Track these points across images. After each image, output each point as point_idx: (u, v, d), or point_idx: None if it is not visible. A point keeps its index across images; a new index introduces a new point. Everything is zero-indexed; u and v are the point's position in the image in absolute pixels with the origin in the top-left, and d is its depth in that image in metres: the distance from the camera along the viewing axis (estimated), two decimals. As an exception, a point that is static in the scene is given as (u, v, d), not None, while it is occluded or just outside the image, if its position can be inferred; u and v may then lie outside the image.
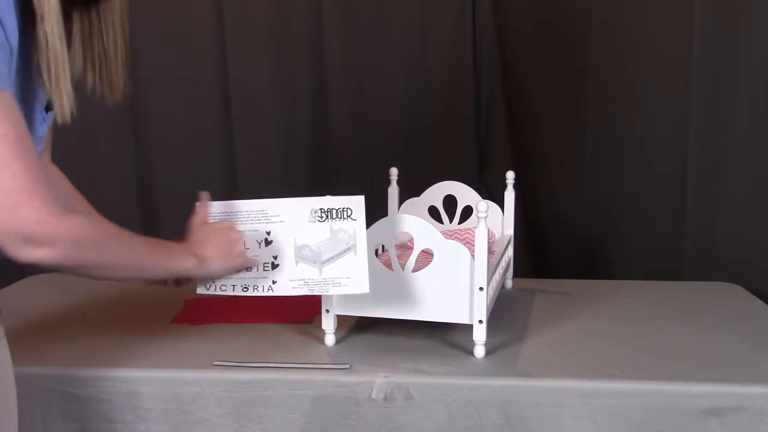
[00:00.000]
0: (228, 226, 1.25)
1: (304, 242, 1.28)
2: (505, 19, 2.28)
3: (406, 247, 1.56)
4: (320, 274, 1.27)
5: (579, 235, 2.30)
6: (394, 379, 1.24)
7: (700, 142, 2.12)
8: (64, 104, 0.98)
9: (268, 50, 2.34)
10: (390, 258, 1.33)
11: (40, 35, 0.95)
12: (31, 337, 1.46)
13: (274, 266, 1.29)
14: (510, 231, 1.74)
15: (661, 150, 2.19)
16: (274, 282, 1.29)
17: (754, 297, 1.71)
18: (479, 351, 1.33)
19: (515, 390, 1.23)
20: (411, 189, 1.76)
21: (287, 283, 1.28)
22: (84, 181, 2.36)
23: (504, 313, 1.53)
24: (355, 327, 1.47)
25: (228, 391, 1.25)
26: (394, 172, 1.75)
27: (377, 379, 1.24)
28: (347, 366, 1.28)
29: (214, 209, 1.33)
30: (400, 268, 1.32)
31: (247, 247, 1.29)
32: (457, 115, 2.34)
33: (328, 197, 1.29)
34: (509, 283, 1.77)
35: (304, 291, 1.27)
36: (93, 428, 1.26)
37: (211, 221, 1.26)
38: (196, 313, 1.59)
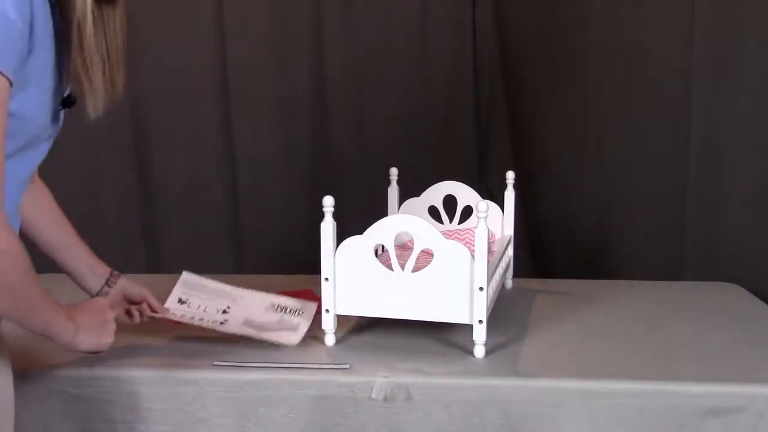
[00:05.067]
0: (105, 304, 1.26)
1: (254, 319, 1.41)
2: (505, 19, 2.28)
3: (406, 247, 1.56)
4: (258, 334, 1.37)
5: (579, 235, 2.30)
6: (394, 379, 1.24)
7: (700, 142, 2.12)
8: (98, 99, 1.06)
9: (268, 51, 2.34)
10: (390, 258, 1.33)
11: (80, 38, 1.01)
12: (31, 338, 1.45)
13: (223, 323, 1.40)
14: (510, 231, 1.74)
15: (662, 150, 2.19)
16: (222, 323, 1.40)
17: (754, 297, 1.71)
18: (479, 351, 1.33)
19: (515, 390, 1.23)
20: (411, 189, 1.76)
21: (234, 329, 1.38)
22: (83, 181, 2.38)
23: (504, 313, 1.53)
24: (355, 327, 1.47)
25: (228, 391, 1.25)
26: (394, 172, 1.75)
27: (377, 379, 1.24)
28: (347, 366, 1.28)
29: (186, 280, 1.47)
30: (400, 268, 1.32)
31: (206, 311, 1.42)
32: (457, 115, 2.34)
33: (290, 299, 1.46)
34: (509, 283, 1.77)
35: (250, 333, 1.37)
36: (93, 428, 1.26)
37: (97, 299, 1.30)
38: (195, 313, 1.59)
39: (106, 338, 1.22)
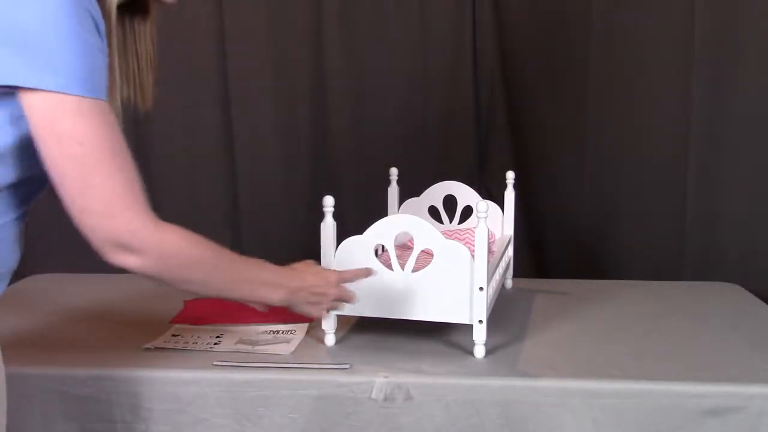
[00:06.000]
0: (332, 280, 1.26)
1: (248, 338, 1.43)
2: (505, 19, 2.28)
3: (406, 247, 1.55)
4: (253, 349, 1.38)
5: (579, 235, 2.29)
6: (394, 379, 1.24)
7: (700, 142, 2.13)
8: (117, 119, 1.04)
9: (269, 51, 2.34)
10: (390, 258, 1.33)
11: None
12: (31, 337, 1.46)
13: (217, 343, 1.41)
14: (510, 231, 1.74)
15: (661, 150, 2.19)
16: (216, 344, 1.41)
17: (754, 297, 1.71)
18: (479, 351, 1.33)
19: (515, 390, 1.23)
20: (411, 189, 1.76)
21: (228, 347, 1.39)
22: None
23: (504, 313, 1.53)
24: (355, 327, 1.47)
25: (228, 391, 1.25)
26: (394, 172, 1.74)
27: (377, 379, 1.24)
28: (347, 366, 1.28)
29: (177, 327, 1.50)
30: (400, 268, 1.32)
31: (199, 337, 1.44)
32: (457, 115, 2.33)
33: (282, 325, 1.47)
34: (509, 283, 1.77)
35: (245, 349, 1.38)
36: (93, 428, 1.26)
37: (329, 273, 1.29)
38: (196, 313, 1.59)
39: (314, 312, 1.24)
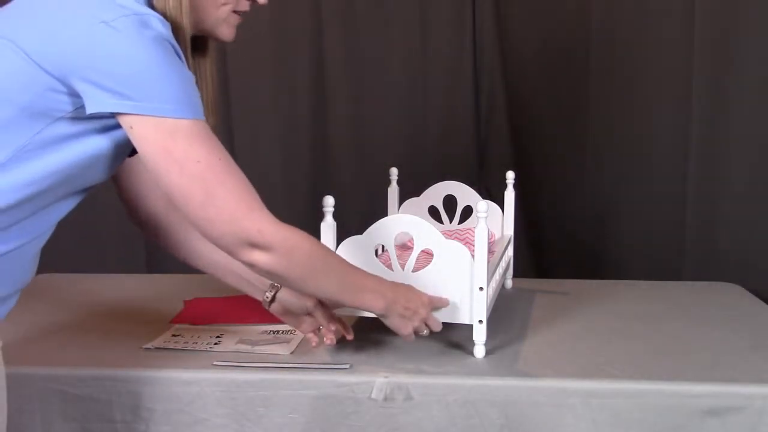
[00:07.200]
0: (424, 301, 1.27)
1: (248, 338, 1.43)
2: (505, 20, 2.28)
3: (406, 247, 1.55)
4: (252, 349, 1.38)
5: (579, 234, 2.30)
6: (394, 379, 1.24)
7: (700, 142, 2.13)
8: None
9: (269, 50, 2.34)
10: (390, 258, 1.33)
11: None
12: (31, 337, 1.46)
13: (217, 343, 1.41)
14: (510, 231, 1.73)
15: (661, 151, 2.19)
16: (216, 344, 1.40)
17: (754, 297, 1.71)
18: (479, 351, 1.33)
19: (515, 390, 1.23)
20: (411, 189, 1.76)
21: (228, 347, 1.39)
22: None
23: (504, 313, 1.53)
24: (355, 327, 1.47)
25: (228, 391, 1.25)
26: (394, 172, 1.74)
27: (377, 379, 1.24)
28: (347, 366, 1.28)
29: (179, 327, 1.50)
30: (400, 268, 1.32)
31: (200, 336, 1.44)
32: (457, 114, 2.34)
33: (282, 324, 1.44)
34: (509, 283, 1.77)
35: (245, 349, 1.38)
36: (93, 428, 1.26)
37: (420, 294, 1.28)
38: (196, 313, 1.59)
39: (403, 328, 1.25)
